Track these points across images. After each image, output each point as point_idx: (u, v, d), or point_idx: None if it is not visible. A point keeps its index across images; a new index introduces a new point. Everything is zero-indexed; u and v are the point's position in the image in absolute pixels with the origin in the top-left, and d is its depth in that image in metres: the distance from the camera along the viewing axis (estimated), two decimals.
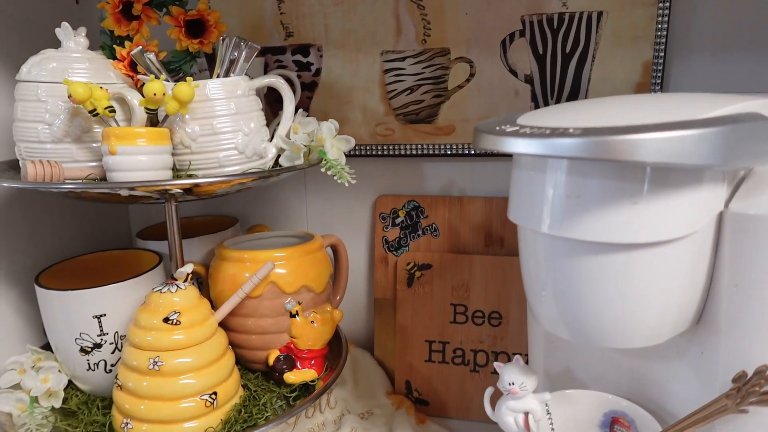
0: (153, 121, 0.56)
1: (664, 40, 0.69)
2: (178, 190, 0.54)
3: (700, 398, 0.44)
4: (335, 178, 0.56)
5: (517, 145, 0.37)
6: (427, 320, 0.81)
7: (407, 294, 0.82)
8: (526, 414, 0.50)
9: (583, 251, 0.40)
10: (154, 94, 0.49)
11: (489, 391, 0.53)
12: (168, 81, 0.55)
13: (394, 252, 0.84)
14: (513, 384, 0.49)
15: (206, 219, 0.87)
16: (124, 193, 0.51)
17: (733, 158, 0.35)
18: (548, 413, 0.52)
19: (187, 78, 0.52)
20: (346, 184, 0.55)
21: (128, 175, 0.51)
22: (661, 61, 0.70)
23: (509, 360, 0.78)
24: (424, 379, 0.82)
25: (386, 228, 0.84)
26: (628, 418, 0.51)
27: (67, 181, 0.52)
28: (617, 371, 0.54)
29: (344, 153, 0.60)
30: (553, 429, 0.52)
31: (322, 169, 0.57)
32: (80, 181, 0.53)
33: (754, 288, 0.40)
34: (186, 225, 0.84)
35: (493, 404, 0.53)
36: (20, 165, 0.57)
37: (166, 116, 0.54)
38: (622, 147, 0.33)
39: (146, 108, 0.52)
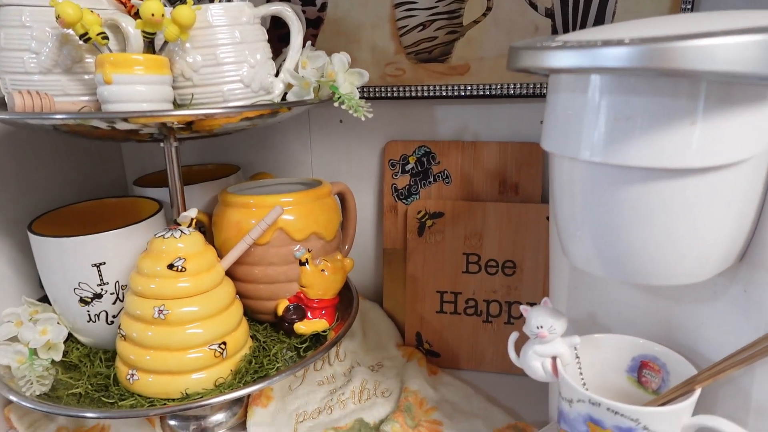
0: (150, 51, 0.52)
1: None
2: (179, 125, 0.50)
3: (740, 343, 0.41)
4: (351, 112, 0.52)
5: (565, 59, 0.33)
6: (438, 270, 0.78)
7: (418, 244, 0.79)
8: (554, 358, 0.48)
9: (629, 179, 0.37)
10: (152, 15, 0.45)
11: (513, 336, 0.51)
12: (165, 5, 0.51)
13: (404, 200, 0.81)
14: (542, 327, 0.47)
15: (206, 167, 0.83)
16: (122, 126, 0.47)
17: None
18: (577, 357, 0.50)
19: (188, 0, 0.47)
20: (363, 118, 0.51)
21: (125, 106, 0.47)
22: None
23: (523, 305, 0.76)
24: (435, 330, 0.80)
25: (396, 175, 0.81)
26: (658, 362, 0.49)
27: (58, 112, 0.47)
28: (645, 317, 0.52)
29: (357, 88, 0.56)
30: (581, 373, 0.50)
31: (335, 104, 0.53)
32: (75, 113, 0.49)
33: None
34: (186, 173, 0.79)
35: (517, 350, 0.51)
36: (5, 98, 0.52)
37: (165, 44, 0.49)
38: (688, 54, 0.30)
39: (143, 32, 0.47)
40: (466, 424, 0.65)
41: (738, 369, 0.41)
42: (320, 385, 0.72)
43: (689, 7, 0.65)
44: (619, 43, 0.31)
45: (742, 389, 0.43)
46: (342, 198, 0.74)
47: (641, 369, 0.50)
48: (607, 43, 0.32)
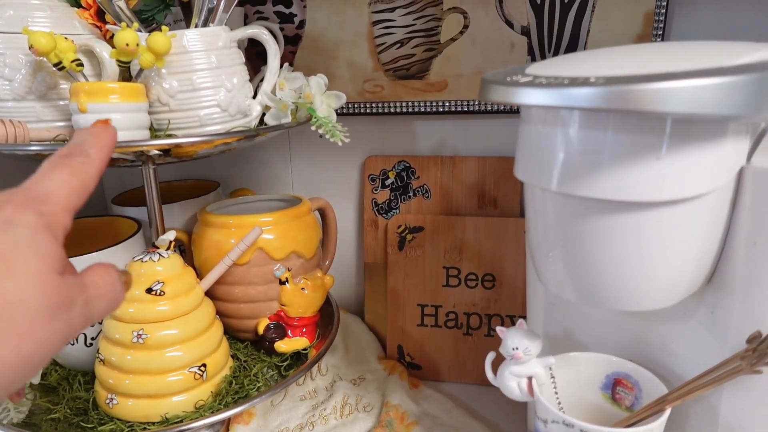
0: (125, 76, 0.52)
1: None
2: (157, 152, 0.50)
3: (708, 359, 0.43)
4: (327, 136, 0.52)
5: (533, 97, 0.34)
6: (418, 284, 0.79)
7: (398, 258, 0.79)
8: (530, 378, 0.49)
9: (598, 210, 0.38)
10: (127, 45, 0.45)
11: (490, 356, 0.52)
12: (141, 31, 0.51)
13: (384, 215, 0.81)
14: (517, 349, 0.48)
15: (186, 183, 0.82)
16: None
17: (764, 108, 0.33)
18: (552, 377, 0.51)
19: (162, 27, 0.47)
20: (339, 143, 0.51)
21: None
22: (663, 11, 0.67)
23: (503, 323, 0.77)
24: (416, 343, 0.80)
25: (376, 190, 0.81)
26: (631, 380, 0.50)
27: (33, 142, 0.47)
28: (619, 333, 0.53)
29: (334, 110, 0.56)
30: (557, 393, 0.51)
31: (312, 128, 0.53)
32: (48, 142, 0.49)
33: None
34: (164, 189, 0.79)
35: (494, 369, 0.52)
36: None
37: (141, 71, 0.49)
38: (651, 97, 0.30)
39: (118, 61, 0.47)
40: None
41: (706, 390, 0.42)
42: (302, 401, 0.73)
43: (661, 26, 0.67)
44: (585, 83, 0.32)
45: (711, 408, 0.44)
46: (323, 213, 0.74)
47: (615, 386, 0.51)
48: (573, 83, 0.32)
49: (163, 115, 0.52)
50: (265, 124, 0.57)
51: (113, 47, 0.47)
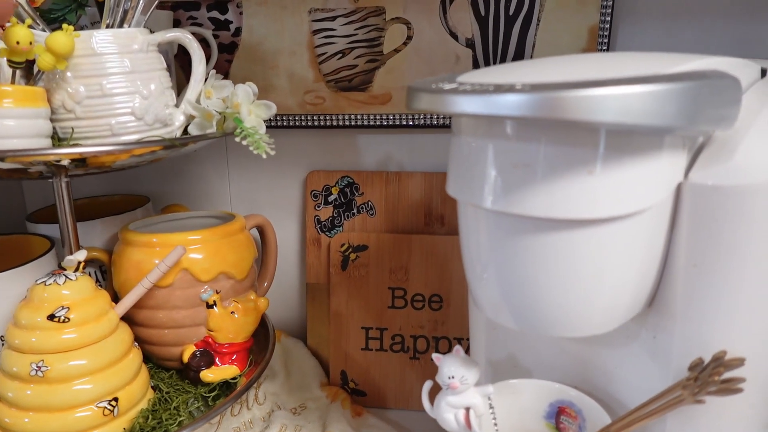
0: (29, 78, 0.47)
1: (610, 4, 0.65)
2: (67, 163, 0.45)
3: (652, 386, 0.40)
4: (251, 148, 0.48)
5: (456, 104, 0.31)
6: (363, 306, 0.75)
7: (342, 278, 0.76)
8: (467, 409, 0.45)
9: (530, 229, 0.35)
10: (17, 43, 0.40)
11: (427, 385, 0.48)
12: (45, 31, 0.46)
13: (327, 233, 0.77)
14: (453, 378, 0.44)
15: (113, 198, 0.77)
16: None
17: (699, 119, 0.31)
18: (491, 407, 0.47)
19: (65, 26, 0.43)
20: (264, 156, 0.48)
21: None
22: (607, 26, 0.66)
23: (450, 346, 0.74)
24: (360, 368, 0.76)
25: (318, 207, 0.77)
26: (575, 408, 0.47)
27: None
28: (563, 358, 0.50)
29: (264, 121, 0.53)
30: (495, 424, 0.48)
31: (237, 139, 0.49)
32: None
33: (713, 268, 0.36)
34: (89, 205, 0.74)
35: (431, 399, 0.48)
36: None
37: (40, 73, 0.45)
38: (579, 104, 0.28)
39: (9, 61, 0.43)
40: None
41: (650, 420, 0.40)
42: None
43: (605, 41, 0.66)
44: (511, 89, 0.29)
45: None
46: (261, 231, 0.70)
47: (559, 415, 0.49)
48: (498, 89, 0.30)
49: (69, 123, 0.47)
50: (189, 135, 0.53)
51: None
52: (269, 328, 0.70)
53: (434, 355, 0.46)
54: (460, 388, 0.44)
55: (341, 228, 0.77)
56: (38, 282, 0.50)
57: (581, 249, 0.34)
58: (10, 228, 0.77)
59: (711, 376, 0.36)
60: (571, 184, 0.32)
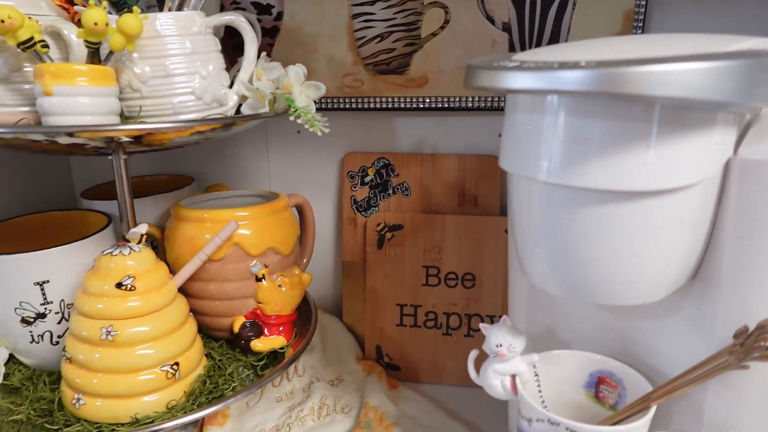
0: (95, 60, 0.49)
1: None
2: (127, 139, 0.47)
3: (693, 357, 0.42)
4: (306, 126, 0.51)
5: (522, 81, 0.33)
6: (398, 283, 0.78)
7: (377, 256, 0.78)
8: (513, 376, 0.48)
9: (585, 201, 0.37)
10: (95, 24, 0.42)
11: (473, 354, 0.51)
12: (111, 13, 0.48)
13: (363, 212, 0.80)
14: (501, 346, 0.46)
15: (159, 178, 0.80)
16: (64, 141, 0.44)
17: (753, 95, 0.32)
18: (536, 375, 0.49)
19: (134, 9, 0.45)
20: (319, 133, 0.50)
21: (67, 119, 0.44)
22: (642, 10, 0.67)
23: (483, 323, 0.76)
24: (395, 343, 0.79)
25: (355, 187, 0.80)
26: (615, 378, 0.49)
27: None
28: (602, 332, 0.52)
29: (314, 101, 0.55)
30: (540, 391, 0.50)
31: (291, 118, 0.51)
32: (11, 126, 0.46)
33: (760, 240, 0.38)
34: (137, 185, 0.76)
35: (476, 367, 0.50)
36: None
37: (111, 54, 0.47)
38: (642, 80, 0.30)
39: (86, 42, 0.45)
40: None
41: (691, 387, 0.41)
42: (278, 402, 0.71)
43: (640, 25, 0.67)
44: (575, 66, 0.31)
45: (696, 405, 0.44)
46: (300, 210, 0.72)
47: (598, 385, 0.51)
48: (563, 66, 0.31)
49: (135, 101, 0.50)
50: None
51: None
52: (310, 303, 0.73)
53: (482, 325, 0.48)
54: (507, 356, 0.46)
55: (377, 208, 0.79)
56: (105, 252, 0.53)
57: (634, 220, 0.36)
58: (61, 205, 0.80)
59: (756, 342, 0.38)
60: (628, 157, 0.34)
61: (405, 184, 0.78)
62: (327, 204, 0.83)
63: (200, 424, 0.65)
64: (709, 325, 0.42)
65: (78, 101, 0.44)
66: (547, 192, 0.38)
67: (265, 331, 0.63)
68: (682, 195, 0.36)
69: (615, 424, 0.44)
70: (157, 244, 0.66)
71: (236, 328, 0.62)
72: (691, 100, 0.30)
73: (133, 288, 0.52)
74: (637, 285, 0.39)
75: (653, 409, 0.43)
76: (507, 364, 0.47)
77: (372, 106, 0.75)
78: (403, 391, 0.75)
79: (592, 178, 0.35)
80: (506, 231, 0.73)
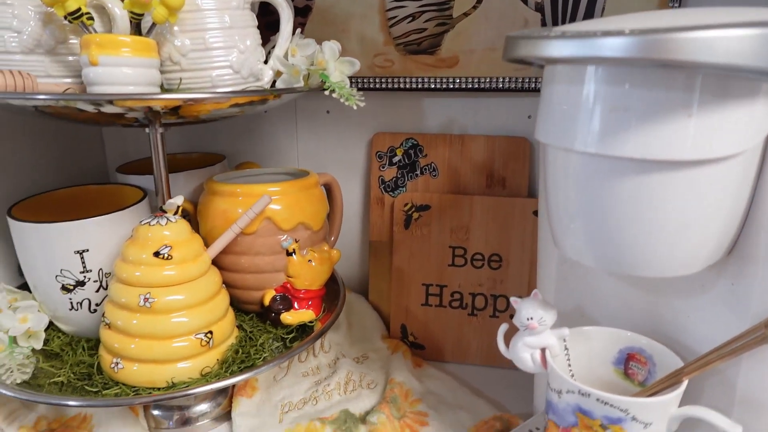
0: (137, 34, 0.50)
1: None
2: (166, 109, 0.48)
3: (725, 334, 0.42)
4: (342, 100, 0.51)
5: (564, 49, 0.33)
6: (424, 263, 0.78)
7: (404, 236, 0.79)
8: (543, 350, 0.48)
9: (623, 171, 0.37)
10: None
11: (503, 327, 0.51)
12: None
13: (391, 193, 0.80)
14: (532, 319, 0.47)
15: (190, 156, 0.81)
16: (107, 109, 0.46)
17: None
18: (566, 349, 0.50)
19: None
20: (354, 107, 0.50)
21: (111, 89, 0.46)
22: None
23: (508, 305, 0.77)
24: (420, 323, 0.80)
25: (383, 167, 0.80)
26: (645, 354, 0.50)
27: (40, 93, 0.46)
28: (631, 310, 0.52)
29: (348, 77, 0.55)
30: (570, 365, 0.50)
31: (326, 92, 0.52)
32: (58, 94, 0.47)
33: None
34: (170, 162, 0.77)
35: (506, 342, 0.51)
36: None
37: (152, 27, 0.48)
38: (687, 46, 0.30)
39: (131, 13, 0.46)
40: (451, 415, 0.65)
41: (725, 361, 0.41)
42: (305, 377, 0.72)
43: (676, 4, 0.66)
44: (620, 33, 0.31)
45: (728, 381, 0.44)
46: (328, 189, 0.73)
47: (628, 361, 0.51)
48: (607, 33, 0.32)
49: (175, 74, 0.51)
50: None
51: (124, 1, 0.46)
52: (338, 280, 0.74)
53: (512, 299, 0.49)
54: (538, 329, 0.47)
55: (404, 188, 0.80)
56: (143, 223, 0.54)
57: (673, 190, 0.36)
58: (95, 179, 0.82)
59: None
60: (669, 126, 0.34)
61: (433, 164, 0.79)
62: (355, 184, 0.83)
63: (229, 395, 0.66)
64: (744, 301, 0.42)
65: (122, 71, 0.45)
66: (584, 163, 0.38)
67: (295, 304, 0.64)
68: (723, 166, 0.36)
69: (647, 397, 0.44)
70: (190, 218, 0.67)
71: (267, 301, 0.63)
72: (738, 67, 0.30)
73: (169, 257, 0.53)
74: (673, 257, 0.39)
75: (684, 384, 0.43)
76: (537, 337, 0.48)
77: (402, 86, 0.76)
78: (428, 369, 0.76)
79: (631, 147, 0.35)
80: (534, 212, 0.73)
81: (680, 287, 0.47)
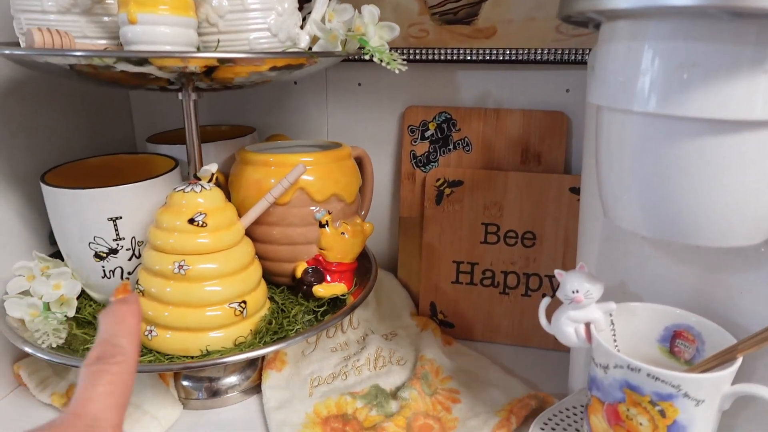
0: None
1: None
2: (201, 70, 0.47)
3: None
4: (384, 64, 0.50)
5: None
6: (455, 240, 0.77)
7: (435, 212, 0.77)
8: (588, 324, 0.47)
9: (686, 132, 0.35)
10: None
11: (545, 301, 0.50)
12: None
13: (423, 167, 0.79)
14: (577, 292, 0.45)
15: (220, 128, 0.80)
16: (145, 69, 0.44)
17: None
18: (612, 324, 0.48)
19: None
20: (397, 71, 0.49)
21: (149, 48, 0.45)
22: None
23: (541, 283, 0.75)
24: (450, 300, 0.78)
25: (414, 142, 0.78)
26: (693, 332, 0.48)
27: (77, 50, 0.45)
28: (678, 286, 0.50)
29: (387, 42, 0.54)
30: (615, 340, 0.49)
31: (366, 57, 0.50)
32: (95, 51, 0.46)
33: None
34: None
35: (548, 316, 0.49)
36: (19, 41, 0.50)
37: None
38: None
39: None
40: (484, 393, 0.64)
41: None
42: (333, 352, 0.71)
43: None
44: None
45: None
46: (359, 163, 0.72)
47: (674, 339, 0.49)
48: None
49: (212, 36, 0.50)
50: None
51: None
52: (369, 255, 0.73)
53: (557, 271, 0.47)
54: (584, 302, 0.45)
55: (437, 163, 0.78)
56: (177, 189, 0.54)
57: (740, 153, 0.34)
58: (123, 149, 0.82)
59: None
60: (740, 84, 0.32)
61: (466, 139, 0.77)
62: (385, 158, 0.82)
63: (259, 368, 0.66)
64: None
65: (160, 30, 0.44)
66: (643, 124, 0.36)
67: (327, 277, 0.63)
68: None
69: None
70: (221, 189, 0.67)
71: (299, 273, 0.62)
72: None
73: (204, 224, 0.52)
74: (735, 225, 0.37)
75: (739, 361, 0.41)
76: (582, 311, 0.46)
77: (437, 57, 0.74)
78: (458, 347, 0.75)
79: (698, 106, 0.33)
80: (570, 189, 0.71)
81: (735, 261, 0.45)
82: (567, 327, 0.47)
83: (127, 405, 0.28)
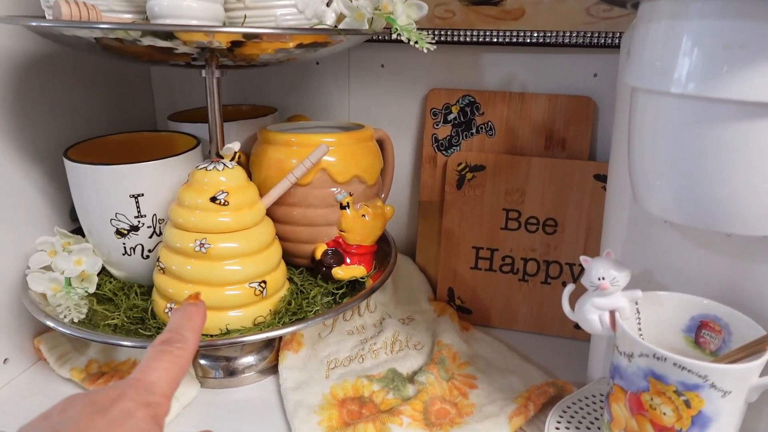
0: None
1: None
2: (227, 46, 0.46)
3: None
4: (412, 43, 0.49)
5: None
6: (475, 225, 0.76)
7: (456, 197, 0.76)
8: (613, 312, 0.46)
9: (725, 115, 0.34)
10: None
11: (569, 288, 0.49)
12: None
13: (444, 151, 0.78)
14: (603, 279, 0.45)
15: (241, 108, 0.80)
16: (168, 44, 0.44)
17: None
18: (637, 312, 0.47)
19: None
20: (425, 51, 0.48)
21: (175, 22, 0.44)
22: None
23: (561, 271, 0.74)
24: (468, 286, 0.78)
25: (437, 125, 0.77)
26: (720, 323, 0.47)
27: (103, 22, 0.44)
28: (706, 276, 0.49)
29: (414, 21, 0.53)
30: (640, 329, 0.48)
31: (394, 35, 0.49)
32: (122, 23, 0.46)
33: None
34: None
35: (572, 303, 0.49)
36: (45, 14, 0.49)
37: None
38: None
39: None
40: (501, 379, 0.63)
41: None
42: (350, 335, 0.71)
43: None
44: None
45: None
46: (381, 145, 0.71)
47: (700, 329, 0.48)
48: None
49: (239, 12, 0.49)
50: None
51: None
52: (389, 239, 0.72)
53: (582, 258, 0.46)
54: (610, 290, 0.44)
55: (459, 147, 0.77)
56: (200, 167, 0.53)
57: None
58: (144, 127, 0.82)
59: None
60: None
61: (490, 123, 0.76)
62: (406, 141, 0.81)
63: (276, 349, 0.66)
64: None
65: (187, 4, 0.44)
66: (681, 107, 0.35)
67: (347, 260, 0.62)
68: None
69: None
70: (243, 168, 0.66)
71: (318, 255, 0.62)
72: None
73: (226, 203, 0.52)
74: None
75: None
76: (608, 298, 0.45)
77: (462, 39, 0.72)
78: (475, 333, 0.75)
79: (744, 88, 0.32)
80: (595, 176, 0.70)
81: (766, 251, 0.44)
82: (591, 314, 0.46)
83: (179, 385, 0.31)
